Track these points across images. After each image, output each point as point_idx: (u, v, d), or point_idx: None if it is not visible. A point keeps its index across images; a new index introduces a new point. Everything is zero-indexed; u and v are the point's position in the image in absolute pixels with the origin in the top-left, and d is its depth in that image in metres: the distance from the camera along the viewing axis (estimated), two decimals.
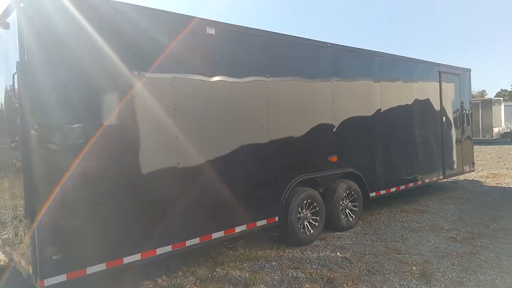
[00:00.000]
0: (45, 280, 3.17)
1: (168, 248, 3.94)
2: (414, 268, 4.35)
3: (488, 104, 22.23)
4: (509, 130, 23.29)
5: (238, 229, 4.55)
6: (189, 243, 4.10)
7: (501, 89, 55.13)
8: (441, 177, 8.23)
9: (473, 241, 5.22)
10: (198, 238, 4.19)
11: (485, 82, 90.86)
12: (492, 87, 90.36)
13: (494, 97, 31.73)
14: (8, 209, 3.90)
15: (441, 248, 5.00)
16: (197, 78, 4.23)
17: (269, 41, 4.98)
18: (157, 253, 3.85)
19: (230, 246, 5.15)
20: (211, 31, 4.34)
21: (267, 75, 4.89)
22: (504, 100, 26.35)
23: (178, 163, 4.04)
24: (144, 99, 3.82)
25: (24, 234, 3.39)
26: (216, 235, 4.34)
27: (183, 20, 4.17)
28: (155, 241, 3.85)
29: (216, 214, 4.38)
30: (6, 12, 3.47)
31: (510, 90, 53.53)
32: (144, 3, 3.88)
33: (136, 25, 3.80)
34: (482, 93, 47.67)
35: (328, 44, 5.75)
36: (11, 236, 3.87)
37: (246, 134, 4.70)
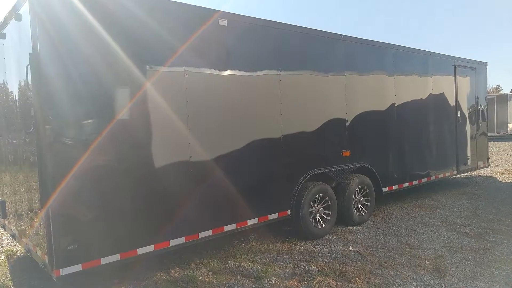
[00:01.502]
0: (61, 269, 3.23)
1: (181, 240, 3.96)
2: (427, 262, 4.31)
3: (503, 99, 21.78)
4: None
5: (250, 222, 4.56)
6: (201, 235, 4.13)
7: None
8: (455, 172, 8.11)
9: (487, 237, 5.14)
10: (211, 231, 4.20)
11: (501, 77, 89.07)
12: (507, 82, 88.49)
13: (510, 92, 31.08)
14: (23, 201, 3.97)
15: (455, 243, 4.94)
16: (209, 71, 4.22)
17: (281, 33, 4.93)
18: (170, 245, 3.88)
19: (242, 239, 5.17)
20: (223, 22, 4.32)
21: (279, 68, 4.86)
22: None
23: (190, 156, 4.05)
24: (157, 92, 3.83)
25: (40, 226, 3.45)
26: (228, 227, 4.35)
27: (194, 11, 4.14)
28: (169, 232, 3.88)
29: (229, 207, 4.39)
30: (18, 4, 3.50)
31: None
32: None
33: (148, 16, 3.79)
34: (497, 88, 46.68)
35: (342, 36, 5.68)
36: (27, 228, 3.94)
37: (258, 128, 4.69)
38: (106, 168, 3.51)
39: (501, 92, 31.83)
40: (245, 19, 4.58)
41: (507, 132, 21.83)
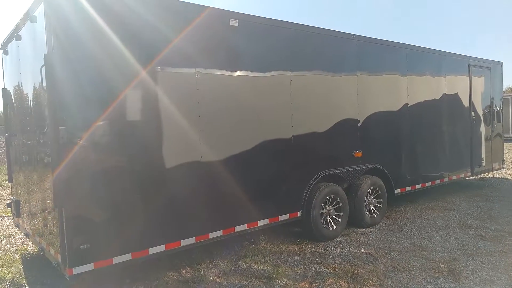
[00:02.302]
0: (73, 268, 3.26)
1: (192, 240, 3.97)
2: (441, 265, 4.23)
3: None
4: None
5: (260, 223, 4.54)
6: (212, 235, 4.12)
7: None
8: (469, 174, 7.96)
9: (504, 240, 5.03)
10: (221, 231, 4.20)
11: None
12: None
13: None
14: (37, 201, 4.02)
15: (470, 246, 4.84)
16: (220, 72, 4.22)
17: (293, 33, 4.91)
18: (181, 245, 3.88)
19: (252, 240, 5.15)
20: (234, 23, 4.32)
21: (290, 68, 4.84)
22: None
23: (201, 157, 4.05)
24: (168, 93, 3.84)
25: (53, 225, 3.49)
26: (238, 228, 4.34)
27: (206, 12, 4.15)
28: (180, 233, 3.89)
29: (239, 208, 4.38)
30: (34, 6, 3.55)
31: None
32: None
33: (161, 18, 3.82)
34: None
35: (354, 36, 5.63)
36: (41, 227, 3.99)
37: (269, 128, 4.67)
38: (118, 169, 3.54)
39: None
40: (256, 19, 4.57)
41: None
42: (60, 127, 3.24)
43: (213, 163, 4.16)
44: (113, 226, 3.48)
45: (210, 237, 4.10)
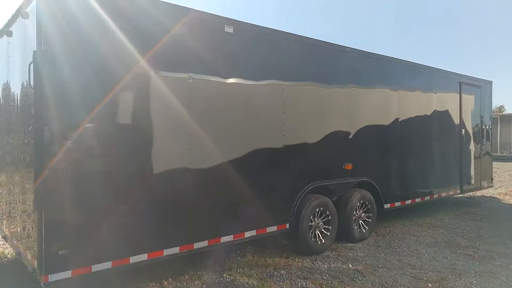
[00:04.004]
0: (49, 275, 3.11)
1: (176, 250, 3.84)
2: (429, 285, 4.16)
3: (507, 119, 21.66)
4: None
5: (247, 234, 4.44)
6: (197, 245, 4.00)
7: None
8: (458, 191, 7.96)
9: (492, 260, 4.99)
10: (207, 241, 4.08)
11: (504, 96, 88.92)
12: (511, 102, 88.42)
13: None
14: (18, 203, 3.87)
15: (458, 265, 4.79)
16: (213, 77, 4.16)
17: (287, 42, 4.88)
18: (164, 254, 3.76)
19: (238, 251, 5.03)
20: (229, 29, 4.27)
21: (283, 78, 4.80)
22: None
23: (189, 163, 3.95)
24: (160, 96, 3.76)
25: (32, 228, 3.35)
26: (225, 239, 4.23)
27: (201, 17, 4.10)
28: (163, 242, 3.76)
29: (226, 218, 4.28)
30: (26, 2, 3.46)
31: None
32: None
33: (154, 21, 3.75)
34: (501, 108, 46.54)
35: (347, 49, 5.63)
36: (19, 230, 3.84)
37: (260, 137, 4.60)
38: (103, 173, 3.42)
39: (504, 112, 31.70)
40: (252, 27, 4.54)
41: (510, 153, 21.66)
42: (45, 127, 3.13)
43: (202, 171, 4.06)
44: (94, 232, 3.35)
45: (194, 248, 3.98)
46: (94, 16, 3.36)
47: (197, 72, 4.01)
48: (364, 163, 5.90)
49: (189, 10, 4.00)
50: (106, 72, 3.45)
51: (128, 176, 3.56)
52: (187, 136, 3.94)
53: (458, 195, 8.42)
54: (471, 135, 8.34)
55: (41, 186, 3.12)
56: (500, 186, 11.64)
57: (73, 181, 3.25)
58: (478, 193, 9.96)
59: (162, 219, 3.76)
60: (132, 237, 3.58)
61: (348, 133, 5.64)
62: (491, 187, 9.43)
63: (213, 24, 4.18)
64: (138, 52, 3.62)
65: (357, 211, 5.76)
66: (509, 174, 15.00)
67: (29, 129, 3.41)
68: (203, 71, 4.07)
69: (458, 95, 7.91)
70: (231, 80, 4.32)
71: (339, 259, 4.96)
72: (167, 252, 3.77)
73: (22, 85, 3.75)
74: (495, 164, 14.83)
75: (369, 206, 5.92)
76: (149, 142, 3.71)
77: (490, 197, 9.88)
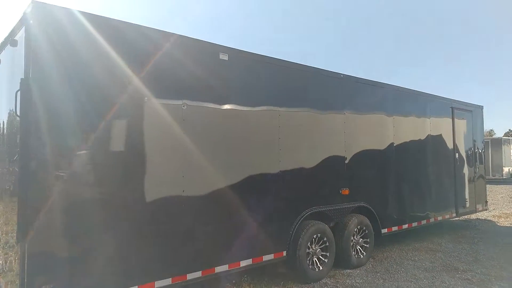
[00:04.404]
0: None
1: (168, 282, 3.66)
2: None
3: (498, 143, 21.94)
4: None
5: (243, 264, 4.27)
6: (190, 276, 3.83)
7: (509, 129, 54.74)
8: (454, 215, 7.91)
9: (490, 284, 4.89)
10: (200, 272, 3.91)
11: (493, 121, 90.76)
12: (500, 126, 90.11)
13: (504, 136, 31.45)
14: (1, 234, 3.69)
15: None
16: (208, 104, 4.10)
17: (281, 70, 4.88)
18: (155, 287, 3.57)
19: (233, 281, 4.84)
20: (224, 57, 4.27)
21: (279, 104, 4.76)
22: None
23: (183, 191, 3.84)
24: (152, 124, 3.68)
25: (15, 261, 3.16)
26: (219, 269, 4.06)
27: (196, 45, 4.10)
28: (154, 273, 3.59)
29: (220, 247, 4.12)
30: (15, 29, 3.41)
31: None
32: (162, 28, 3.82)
33: (149, 48, 3.72)
34: (491, 132, 47.39)
35: (342, 76, 5.66)
36: (1, 262, 3.63)
37: (255, 163, 4.51)
38: (92, 204, 3.27)
39: (494, 136, 32.21)
40: (246, 54, 4.54)
41: (502, 176, 21.81)
42: (31, 155, 3.01)
43: (195, 198, 3.94)
44: (80, 266, 3.17)
45: (188, 278, 3.80)
46: (84, 45, 3.31)
47: (192, 99, 3.94)
48: (361, 187, 5.83)
49: (184, 37, 3.99)
50: (96, 100, 3.36)
51: (117, 206, 3.42)
52: (180, 162, 3.83)
53: (454, 219, 8.36)
54: (465, 158, 8.37)
55: (25, 216, 2.97)
56: (494, 209, 11.62)
57: (58, 212, 3.09)
58: (474, 216, 9.90)
59: (151, 251, 3.59)
60: (122, 269, 3.41)
61: (344, 158, 5.59)
62: (486, 210, 9.40)
63: (208, 51, 4.17)
64: (131, 79, 3.56)
65: (355, 237, 5.64)
66: (502, 197, 15.03)
67: (14, 158, 3.28)
68: (198, 99, 4.01)
69: (451, 119, 7.98)
70: (226, 107, 4.26)
71: (337, 286, 4.80)
72: (158, 284, 3.58)
73: (9, 113, 3.65)
74: (488, 186, 14.91)
75: (366, 232, 5.80)
76: (141, 171, 3.59)
77: (485, 219, 9.83)
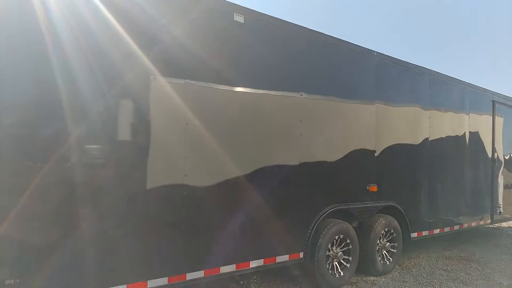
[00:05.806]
0: None
1: (164, 281, 3.09)
2: None
3: None
4: None
5: (253, 264, 3.67)
6: (190, 276, 3.25)
7: None
8: (489, 221, 7.14)
9: None
10: (203, 271, 3.33)
11: None
12: None
13: None
14: None
15: None
16: (216, 85, 3.46)
17: (306, 43, 4.20)
18: (148, 287, 3.01)
19: (241, 282, 4.26)
20: (239, 18, 3.61)
21: (301, 88, 4.10)
22: None
23: (185, 176, 3.25)
24: (152, 104, 3.10)
25: None
26: (225, 269, 3.47)
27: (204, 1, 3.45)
28: (148, 272, 3.03)
29: (227, 245, 3.50)
30: None
31: None
32: None
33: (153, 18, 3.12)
34: None
35: (375, 53, 4.95)
36: None
37: (271, 151, 3.87)
38: (65, 186, 2.71)
39: None
40: (267, 18, 3.84)
41: None
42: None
43: (200, 189, 3.35)
44: (54, 257, 2.62)
45: (187, 279, 3.23)
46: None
47: (197, 73, 3.33)
48: (390, 185, 5.14)
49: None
50: (84, 78, 2.81)
51: (107, 192, 2.88)
52: (183, 150, 3.24)
53: (488, 226, 7.59)
54: (503, 160, 7.54)
55: None
56: None
57: (30, 195, 2.56)
58: (505, 224, 9.09)
59: (146, 246, 3.04)
60: (106, 265, 2.85)
61: (373, 151, 4.91)
62: None
63: (219, 11, 3.54)
64: (131, 51, 2.99)
65: (381, 240, 4.98)
66: None
67: None
68: (204, 73, 3.39)
69: (491, 115, 7.15)
70: (238, 86, 3.63)
71: None
72: (152, 284, 3.02)
73: None
74: None
75: (394, 235, 5.12)
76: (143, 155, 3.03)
77: None
